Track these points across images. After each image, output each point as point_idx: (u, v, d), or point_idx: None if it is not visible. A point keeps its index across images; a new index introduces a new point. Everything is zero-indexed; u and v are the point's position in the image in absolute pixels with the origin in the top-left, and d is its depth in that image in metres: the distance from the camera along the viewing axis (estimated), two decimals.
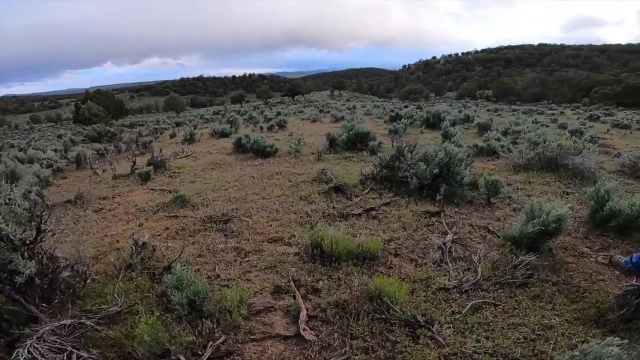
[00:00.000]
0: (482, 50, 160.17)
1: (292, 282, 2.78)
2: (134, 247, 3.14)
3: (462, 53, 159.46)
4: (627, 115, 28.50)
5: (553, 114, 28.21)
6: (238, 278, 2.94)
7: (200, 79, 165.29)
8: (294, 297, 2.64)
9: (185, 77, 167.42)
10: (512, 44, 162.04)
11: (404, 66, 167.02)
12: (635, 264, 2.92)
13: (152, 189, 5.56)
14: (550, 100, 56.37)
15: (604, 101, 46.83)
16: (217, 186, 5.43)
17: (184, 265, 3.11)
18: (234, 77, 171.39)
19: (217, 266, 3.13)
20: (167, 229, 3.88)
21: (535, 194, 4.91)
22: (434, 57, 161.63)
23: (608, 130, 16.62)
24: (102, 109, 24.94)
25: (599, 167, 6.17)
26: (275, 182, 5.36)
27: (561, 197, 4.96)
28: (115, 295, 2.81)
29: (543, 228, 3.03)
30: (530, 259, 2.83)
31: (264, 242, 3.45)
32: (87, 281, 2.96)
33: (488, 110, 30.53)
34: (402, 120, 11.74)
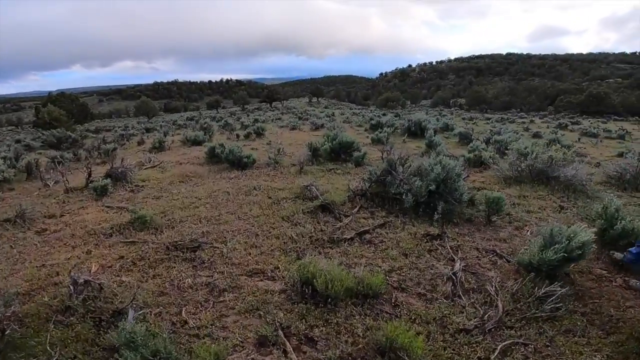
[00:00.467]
0: (455, 59, 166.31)
1: (280, 331, 2.23)
2: (73, 287, 2.48)
3: (437, 62, 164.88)
4: (591, 123, 29.97)
5: (523, 123, 29.21)
6: (211, 325, 2.36)
7: (175, 83, 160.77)
8: (285, 351, 2.10)
9: (159, 81, 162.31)
10: (482, 53, 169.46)
11: (381, 74, 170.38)
12: None
13: (108, 207, 4.81)
14: (518, 109, 58.87)
15: (569, 110, 49.36)
16: (185, 203, 4.76)
17: (142, 308, 2.50)
18: (210, 82, 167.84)
19: (184, 308, 2.52)
20: (122, 258, 3.21)
21: (533, 209, 4.63)
22: (409, 66, 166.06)
23: (579, 139, 17.17)
24: (63, 113, 23.06)
25: (589, 179, 6.03)
26: (253, 199, 4.77)
27: (558, 212, 4.72)
28: (48, 347, 2.19)
29: (566, 254, 2.67)
30: (561, 290, 2.46)
31: (241, 275, 2.86)
32: (6, 332, 2.28)
33: (463, 118, 31.23)
34: (385, 128, 11.45)
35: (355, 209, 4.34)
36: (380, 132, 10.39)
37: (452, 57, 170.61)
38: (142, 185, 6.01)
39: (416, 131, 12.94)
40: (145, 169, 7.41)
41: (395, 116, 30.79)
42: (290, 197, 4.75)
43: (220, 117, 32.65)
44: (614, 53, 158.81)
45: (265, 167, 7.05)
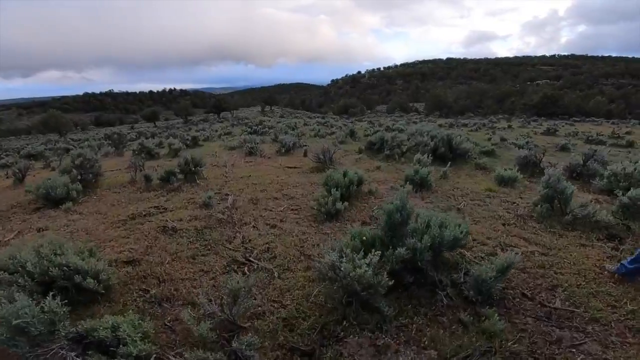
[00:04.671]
0: (402, 65, 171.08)
1: None
2: None
3: (384, 67, 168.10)
4: (563, 127, 28.48)
5: (504, 128, 26.73)
6: None
7: (109, 94, 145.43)
8: None
9: (91, 92, 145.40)
10: (426, 59, 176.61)
11: (333, 81, 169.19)
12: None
13: None
14: (473, 112, 58.69)
15: (525, 112, 49.48)
16: None
17: None
18: (151, 92, 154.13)
19: None
20: None
21: None
22: (359, 72, 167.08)
23: (610, 150, 13.97)
24: None
25: None
26: None
27: None
28: None
29: None
30: None
31: None
32: None
33: (441, 125, 27.95)
34: (419, 156, 6.62)
35: None
36: (421, 171, 5.53)
37: (398, 63, 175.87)
38: None
39: (445, 153, 8.40)
40: None
41: (369, 124, 26.67)
42: None
43: (154, 132, 25.95)
44: (536, 56, 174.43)
45: None
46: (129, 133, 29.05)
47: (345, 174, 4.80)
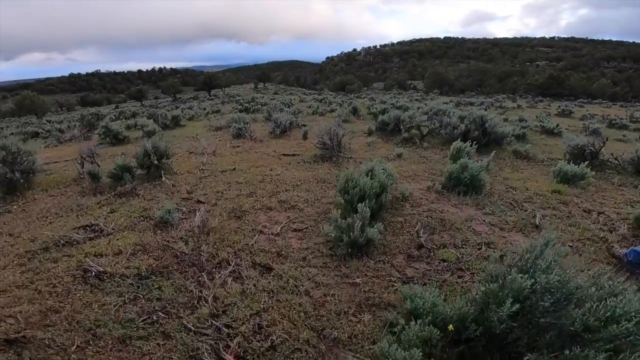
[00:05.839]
0: (398, 43, 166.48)
1: None
2: None
3: (381, 45, 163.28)
4: (574, 107, 27.01)
5: (514, 109, 25.15)
6: None
7: (96, 74, 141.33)
8: None
9: (77, 72, 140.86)
10: (422, 37, 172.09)
11: (327, 58, 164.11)
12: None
13: None
14: (474, 91, 56.72)
15: (529, 92, 47.69)
16: None
17: None
18: (139, 71, 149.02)
19: None
20: None
21: None
22: (354, 50, 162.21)
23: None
24: None
25: None
26: None
27: None
28: None
29: None
30: None
31: None
32: None
33: (445, 104, 26.23)
34: (459, 144, 5.02)
35: None
36: (467, 161, 4.00)
37: (395, 41, 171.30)
38: None
39: (479, 138, 6.85)
40: None
41: (370, 100, 24.84)
42: None
43: (135, 112, 23.86)
44: (535, 37, 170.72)
45: None
46: (111, 113, 26.87)
47: (371, 174, 3.24)
